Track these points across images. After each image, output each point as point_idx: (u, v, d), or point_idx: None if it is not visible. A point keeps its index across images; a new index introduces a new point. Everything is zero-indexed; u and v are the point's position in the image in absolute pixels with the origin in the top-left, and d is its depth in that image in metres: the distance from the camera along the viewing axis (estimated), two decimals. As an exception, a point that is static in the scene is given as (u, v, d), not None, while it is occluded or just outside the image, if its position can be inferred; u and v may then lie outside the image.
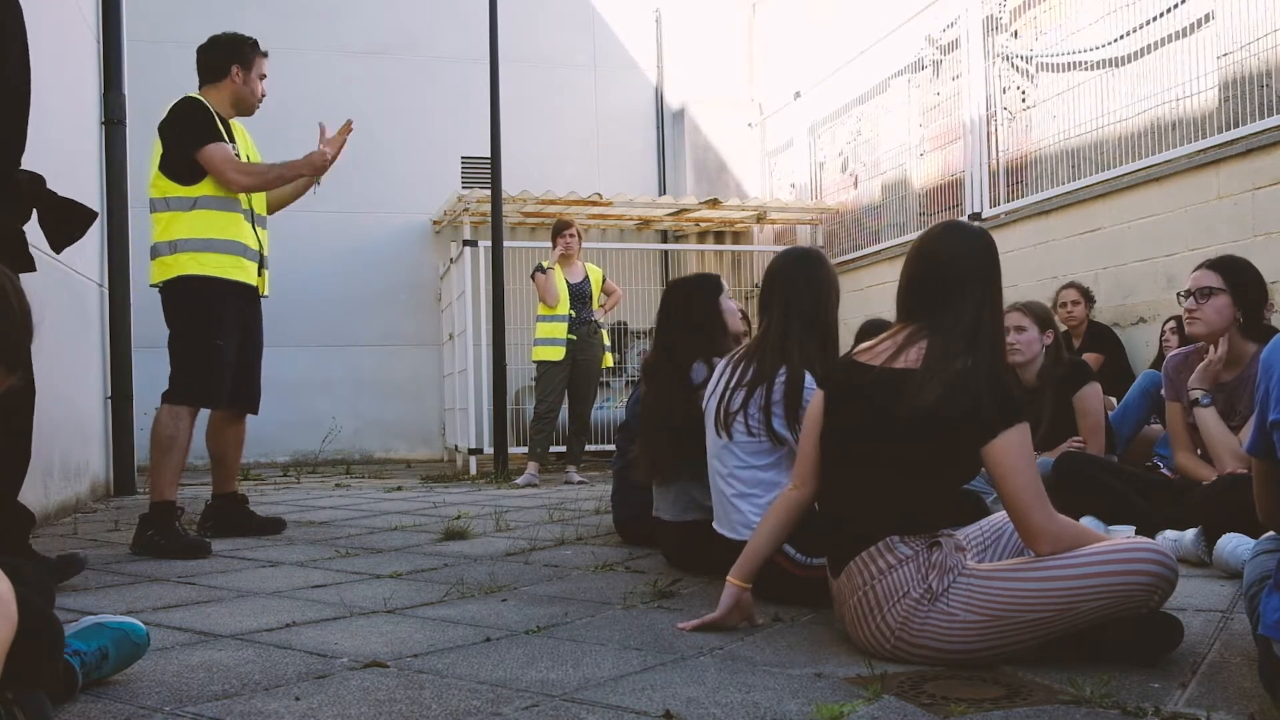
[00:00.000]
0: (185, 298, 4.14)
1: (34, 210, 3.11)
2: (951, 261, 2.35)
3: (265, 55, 4.43)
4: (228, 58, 4.32)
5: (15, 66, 2.97)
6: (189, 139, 4.11)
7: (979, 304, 2.28)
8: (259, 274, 4.35)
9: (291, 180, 4.38)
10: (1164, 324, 5.59)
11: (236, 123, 4.46)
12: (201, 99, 4.25)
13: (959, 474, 2.30)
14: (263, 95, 4.43)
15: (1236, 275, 3.65)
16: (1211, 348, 3.71)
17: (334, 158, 4.35)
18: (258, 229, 4.36)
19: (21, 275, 2.45)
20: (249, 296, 4.33)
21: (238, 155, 4.28)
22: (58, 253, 3.30)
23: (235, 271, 4.20)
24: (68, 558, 3.33)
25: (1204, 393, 3.65)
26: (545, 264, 7.29)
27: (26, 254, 3.06)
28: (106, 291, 6.53)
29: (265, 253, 4.41)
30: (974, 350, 2.22)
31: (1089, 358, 5.63)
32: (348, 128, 4.39)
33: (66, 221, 3.22)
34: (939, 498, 2.28)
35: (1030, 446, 2.21)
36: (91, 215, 3.28)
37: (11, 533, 3.00)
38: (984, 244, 2.38)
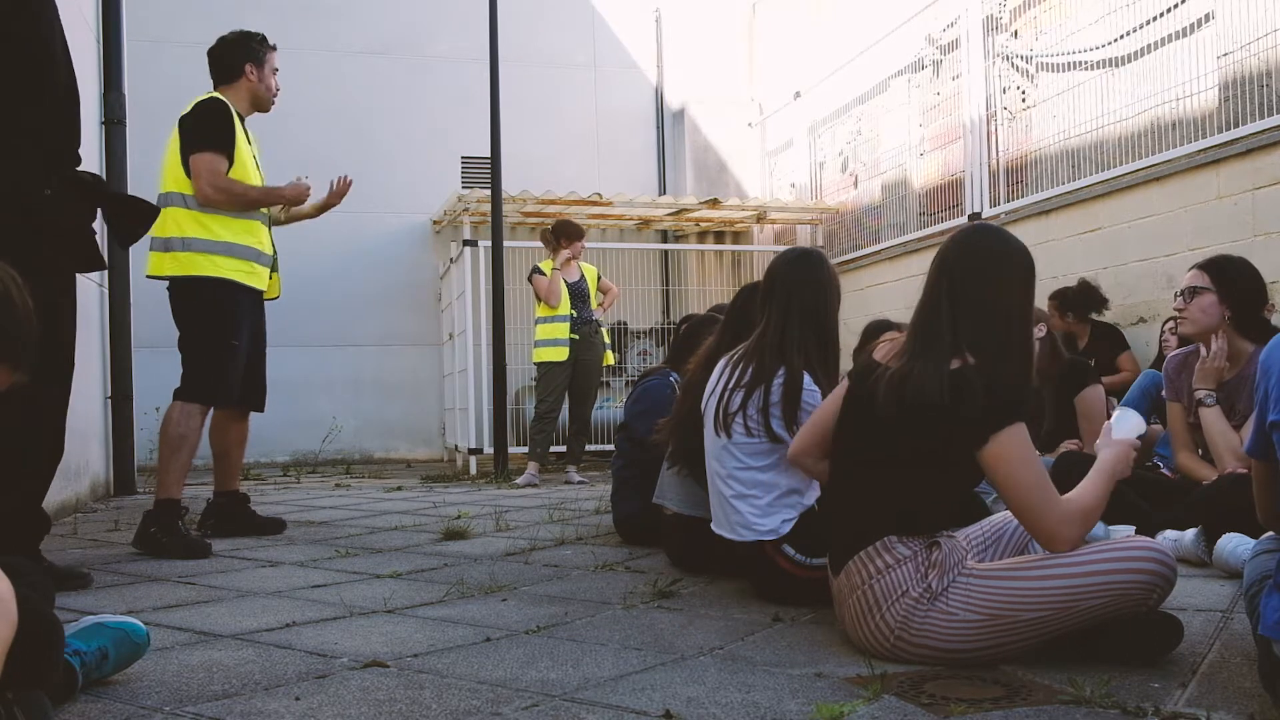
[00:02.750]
0: (201, 298, 4.13)
1: (98, 209, 3.14)
2: (938, 260, 2.34)
3: (274, 49, 4.46)
4: (241, 57, 4.33)
5: (65, 67, 2.98)
6: (194, 140, 4.12)
7: (935, 297, 2.27)
8: (271, 277, 4.43)
9: (269, 205, 4.38)
10: (1164, 324, 5.59)
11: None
12: (226, 101, 4.25)
13: (957, 476, 2.27)
14: (277, 90, 4.46)
15: (1222, 273, 3.65)
16: (1202, 347, 3.69)
17: (325, 206, 4.67)
18: (270, 232, 4.42)
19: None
20: (257, 299, 4.39)
21: (255, 158, 4.33)
22: (124, 249, 3.35)
23: (249, 277, 4.24)
24: (75, 572, 3.29)
25: (1208, 392, 3.65)
26: (542, 265, 7.28)
27: (97, 252, 3.08)
28: (106, 291, 6.52)
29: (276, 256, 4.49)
30: (933, 348, 2.20)
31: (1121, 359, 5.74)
32: (346, 185, 4.62)
33: (131, 217, 3.25)
34: (939, 499, 2.28)
35: (1029, 448, 2.17)
36: (155, 211, 3.38)
37: (27, 536, 3.00)
38: (960, 241, 2.34)
